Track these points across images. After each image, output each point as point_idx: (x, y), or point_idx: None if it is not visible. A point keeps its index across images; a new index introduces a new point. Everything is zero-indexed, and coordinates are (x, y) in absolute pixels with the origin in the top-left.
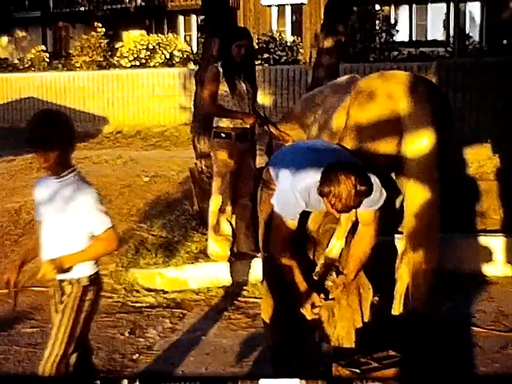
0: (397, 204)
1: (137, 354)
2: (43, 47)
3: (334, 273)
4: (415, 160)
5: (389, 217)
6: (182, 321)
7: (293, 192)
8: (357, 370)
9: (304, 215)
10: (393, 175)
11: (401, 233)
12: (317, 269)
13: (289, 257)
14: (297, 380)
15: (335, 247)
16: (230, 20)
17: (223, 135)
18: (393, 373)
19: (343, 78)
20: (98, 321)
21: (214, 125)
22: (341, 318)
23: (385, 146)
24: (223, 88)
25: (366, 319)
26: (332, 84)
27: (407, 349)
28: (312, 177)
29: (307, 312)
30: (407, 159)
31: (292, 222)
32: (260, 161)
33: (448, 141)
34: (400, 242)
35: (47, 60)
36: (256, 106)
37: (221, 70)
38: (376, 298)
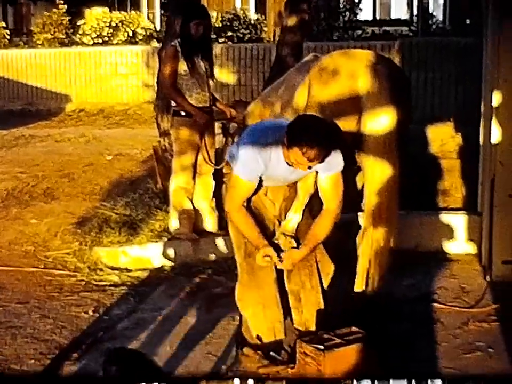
0: (358, 182)
1: (101, 333)
2: (3, 24)
3: (293, 241)
4: (374, 138)
5: (351, 195)
6: (146, 300)
7: (253, 153)
8: (320, 347)
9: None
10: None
11: (363, 210)
12: (275, 239)
13: (244, 214)
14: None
15: (292, 220)
16: None
17: (183, 113)
18: (356, 349)
19: (305, 58)
20: (62, 300)
21: (174, 104)
22: (307, 301)
23: (346, 124)
24: (182, 67)
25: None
26: (295, 67)
27: (369, 325)
28: (274, 138)
29: (259, 258)
30: (366, 136)
31: (249, 184)
32: (218, 140)
33: (407, 120)
34: (362, 220)
35: (8, 37)
36: (214, 83)
37: (179, 48)
38: None
